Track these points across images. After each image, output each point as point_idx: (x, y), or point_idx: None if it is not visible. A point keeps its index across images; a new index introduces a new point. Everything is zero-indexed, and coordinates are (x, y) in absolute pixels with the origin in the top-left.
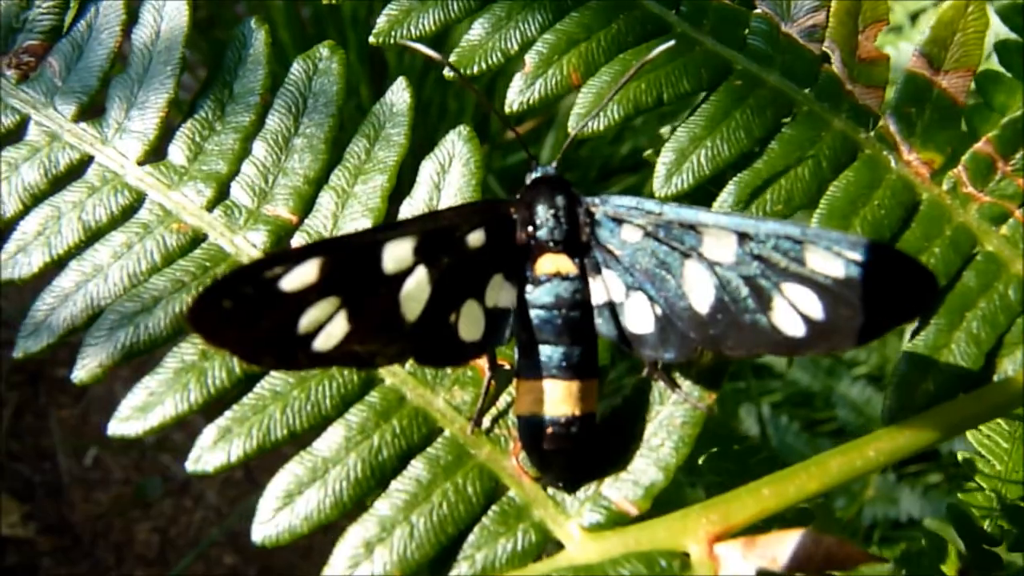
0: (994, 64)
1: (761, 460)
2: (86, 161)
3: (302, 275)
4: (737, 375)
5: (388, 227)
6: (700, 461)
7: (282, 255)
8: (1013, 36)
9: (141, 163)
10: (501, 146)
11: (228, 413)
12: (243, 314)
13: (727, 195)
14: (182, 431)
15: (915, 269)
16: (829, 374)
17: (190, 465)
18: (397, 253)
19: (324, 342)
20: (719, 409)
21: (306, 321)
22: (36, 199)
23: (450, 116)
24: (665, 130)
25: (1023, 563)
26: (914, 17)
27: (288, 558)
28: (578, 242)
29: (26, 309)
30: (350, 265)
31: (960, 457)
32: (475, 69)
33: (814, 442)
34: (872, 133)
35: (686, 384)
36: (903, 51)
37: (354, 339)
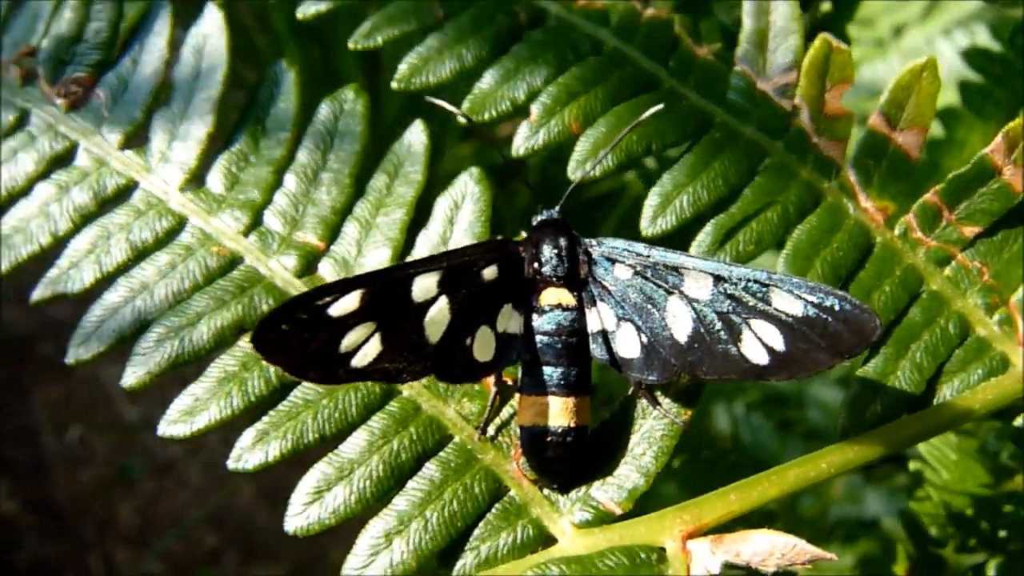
0: (956, 102)
1: (728, 464)
2: (132, 186)
3: (346, 304)
4: None
5: (418, 263)
6: (676, 464)
7: (331, 287)
8: (974, 77)
9: (183, 190)
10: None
11: (265, 418)
12: (297, 336)
13: (704, 235)
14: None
15: (863, 312)
16: None
17: (231, 463)
18: (424, 285)
19: (360, 360)
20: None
21: (347, 342)
22: (86, 219)
23: None
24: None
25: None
26: (898, 30)
27: (267, 540)
28: (577, 278)
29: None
30: (385, 295)
31: (912, 467)
32: (486, 116)
33: (786, 441)
34: (834, 182)
35: (666, 402)
36: (879, 71)
37: (385, 358)
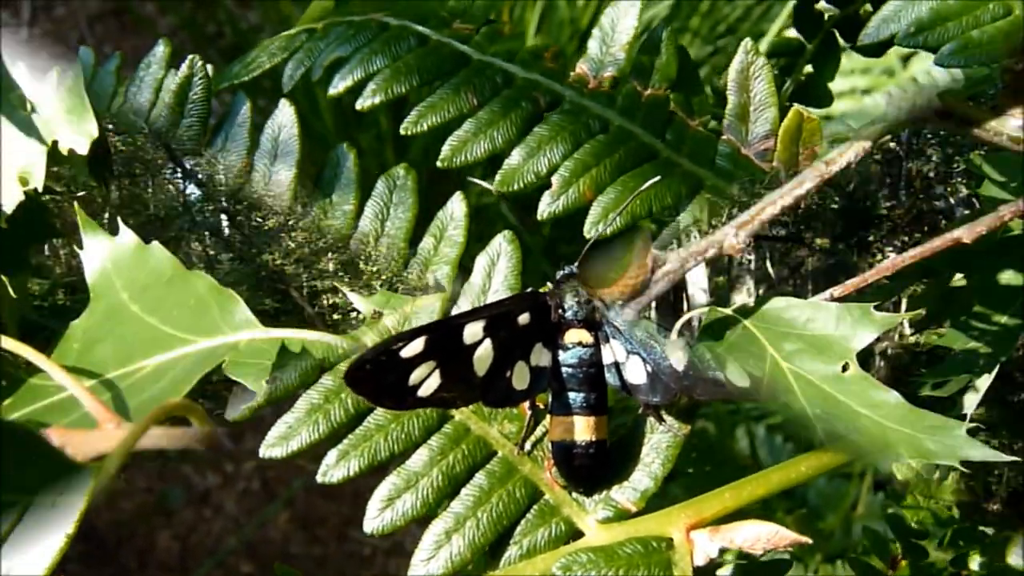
0: None
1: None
2: None
3: (413, 347)
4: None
5: (466, 313)
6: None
7: (402, 335)
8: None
9: None
10: None
11: (345, 440)
12: (377, 373)
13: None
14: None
15: None
16: None
17: (320, 477)
18: (472, 330)
19: (424, 391)
20: (716, 429)
21: (413, 377)
22: None
23: None
24: None
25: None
26: (905, 60)
27: (304, 566)
28: (594, 321)
29: None
30: (443, 340)
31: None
32: (514, 187)
33: None
34: None
35: (669, 419)
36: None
37: (443, 389)
